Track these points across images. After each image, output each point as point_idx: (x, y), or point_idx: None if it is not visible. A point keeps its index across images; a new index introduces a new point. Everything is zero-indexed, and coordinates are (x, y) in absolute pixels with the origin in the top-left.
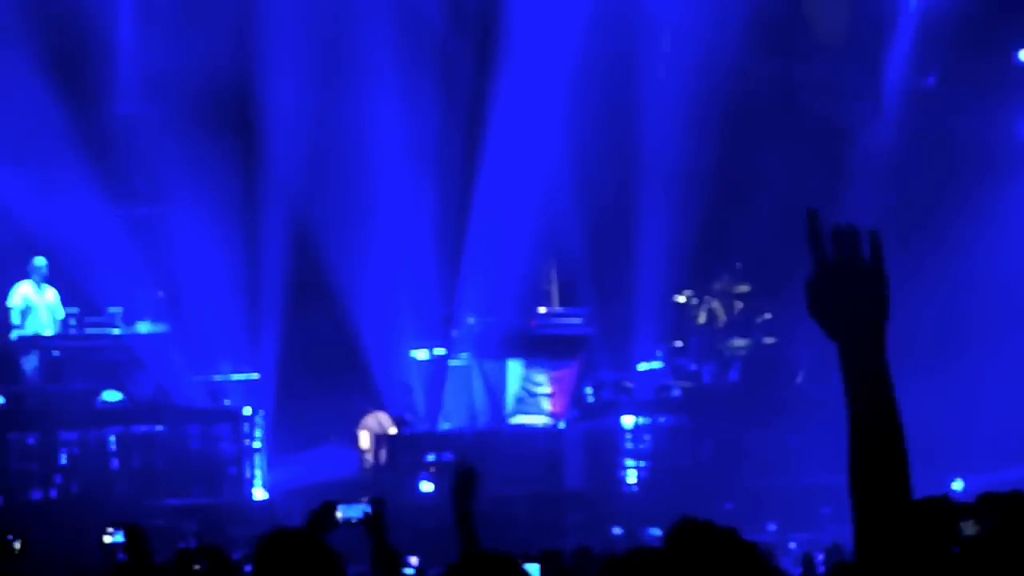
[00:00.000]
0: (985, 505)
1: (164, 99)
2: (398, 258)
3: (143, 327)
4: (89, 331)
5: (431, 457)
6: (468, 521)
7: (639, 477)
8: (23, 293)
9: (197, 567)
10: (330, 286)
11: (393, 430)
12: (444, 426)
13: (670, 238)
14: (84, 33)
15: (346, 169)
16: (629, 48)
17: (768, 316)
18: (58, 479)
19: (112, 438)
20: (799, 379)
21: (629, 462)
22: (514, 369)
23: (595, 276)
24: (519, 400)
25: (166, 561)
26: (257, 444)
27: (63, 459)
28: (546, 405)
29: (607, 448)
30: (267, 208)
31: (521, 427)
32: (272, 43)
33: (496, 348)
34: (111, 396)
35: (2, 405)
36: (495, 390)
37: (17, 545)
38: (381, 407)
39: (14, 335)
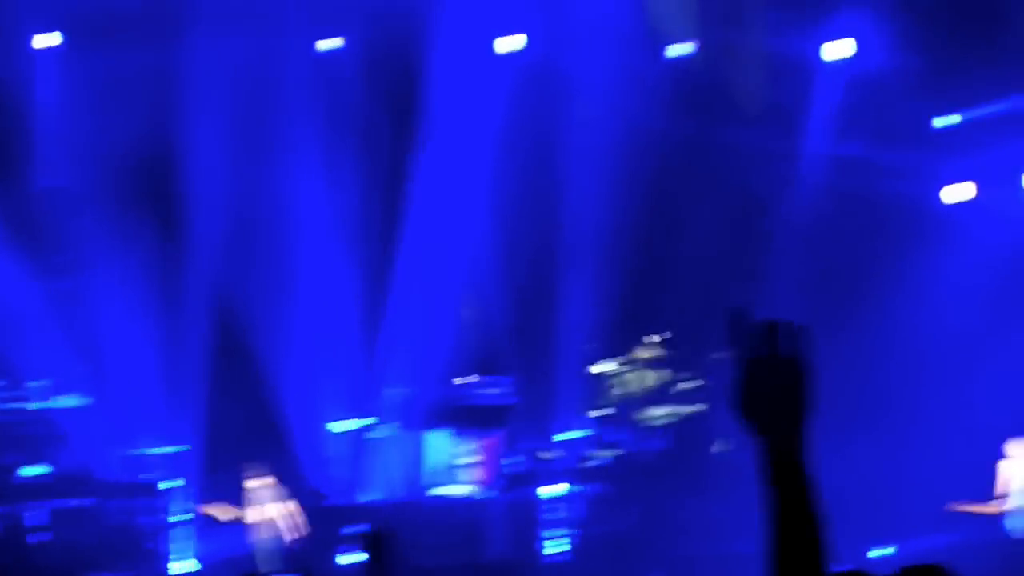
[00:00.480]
0: None
1: (84, 172)
2: (320, 329)
3: (65, 401)
4: (9, 405)
5: (349, 529)
6: None
7: (564, 546)
8: None
9: None
10: (253, 358)
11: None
12: (364, 498)
13: (592, 307)
14: (0, 107)
15: (268, 240)
16: (550, 115)
17: (691, 384)
18: None
19: (33, 513)
20: (723, 447)
21: (553, 532)
22: (436, 439)
23: (517, 345)
24: (441, 471)
25: None
26: (178, 518)
27: None
28: (468, 475)
29: (530, 518)
30: (189, 279)
31: (443, 498)
32: (192, 115)
33: (418, 418)
34: (32, 471)
35: None
36: (416, 461)
37: None
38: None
39: None
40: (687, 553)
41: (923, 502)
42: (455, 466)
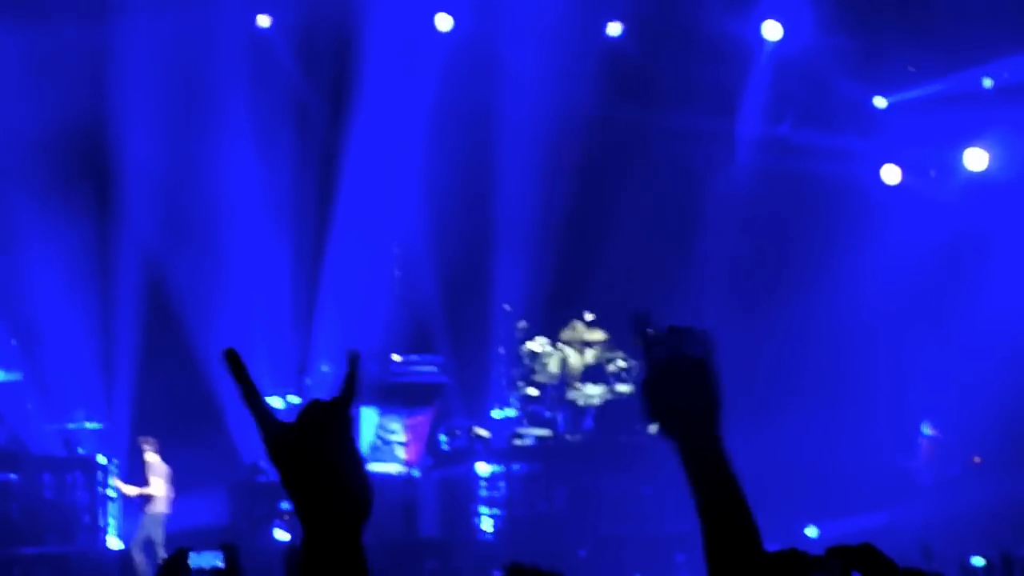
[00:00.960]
0: (834, 557)
1: (16, 149)
2: (253, 306)
3: None
4: None
5: (285, 505)
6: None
7: (494, 525)
8: None
9: None
10: (185, 335)
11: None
12: None
13: (525, 286)
14: None
15: (201, 217)
16: (484, 96)
17: (622, 364)
18: None
19: None
20: (653, 428)
21: (484, 510)
22: (368, 417)
23: (450, 324)
24: (373, 448)
25: None
26: (111, 493)
27: None
28: (400, 453)
29: (462, 496)
30: (121, 256)
31: (375, 475)
32: (126, 93)
33: None
34: None
35: None
36: None
37: None
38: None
39: None
40: (615, 532)
41: (859, 480)
42: (388, 443)
